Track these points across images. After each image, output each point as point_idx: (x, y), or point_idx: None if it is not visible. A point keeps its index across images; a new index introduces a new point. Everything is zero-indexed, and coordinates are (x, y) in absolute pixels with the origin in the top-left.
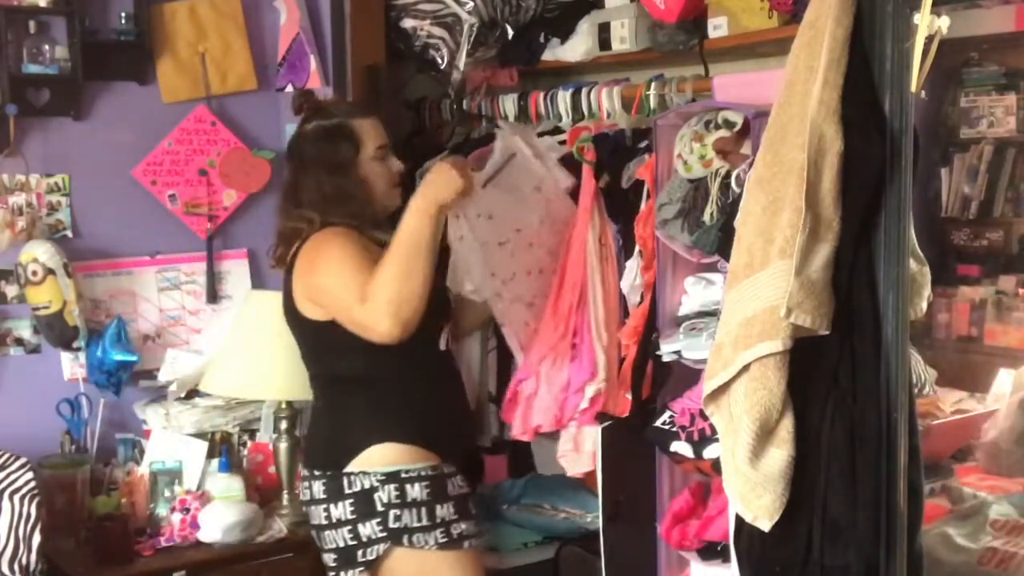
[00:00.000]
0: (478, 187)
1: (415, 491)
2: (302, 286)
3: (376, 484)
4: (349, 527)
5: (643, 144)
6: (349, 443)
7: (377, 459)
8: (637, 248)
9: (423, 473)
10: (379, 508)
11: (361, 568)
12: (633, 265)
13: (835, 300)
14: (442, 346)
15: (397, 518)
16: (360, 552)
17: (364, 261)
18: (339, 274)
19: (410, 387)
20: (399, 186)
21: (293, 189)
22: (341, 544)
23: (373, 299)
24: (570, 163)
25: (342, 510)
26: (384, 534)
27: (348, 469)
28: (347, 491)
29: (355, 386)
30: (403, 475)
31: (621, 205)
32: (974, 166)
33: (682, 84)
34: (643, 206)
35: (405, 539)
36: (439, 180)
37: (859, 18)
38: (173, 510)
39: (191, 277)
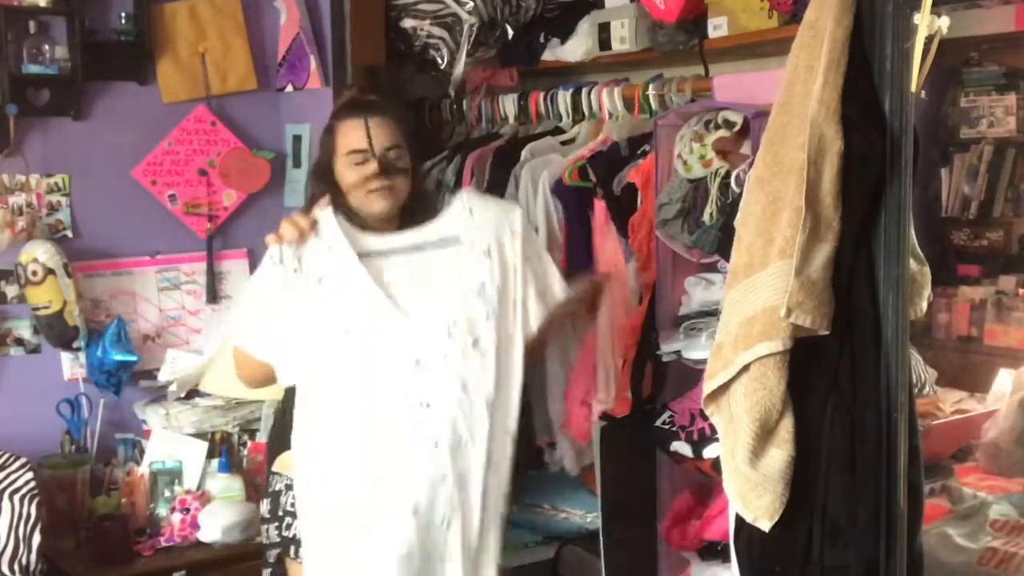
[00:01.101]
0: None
1: None
2: None
3: (284, 488)
4: (264, 526)
5: (640, 151)
6: (281, 443)
7: (291, 463)
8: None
9: None
10: (280, 513)
11: (269, 570)
12: (630, 267)
13: (835, 300)
14: None
15: (289, 527)
16: (268, 553)
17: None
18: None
19: None
20: (377, 191)
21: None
22: (264, 540)
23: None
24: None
25: (264, 507)
26: (278, 540)
27: (274, 468)
28: (269, 489)
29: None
30: None
31: (617, 211)
32: (974, 166)
33: (682, 84)
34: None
35: (293, 550)
36: None
37: (859, 18)
38: (173, 510)
39: (191, 277)
